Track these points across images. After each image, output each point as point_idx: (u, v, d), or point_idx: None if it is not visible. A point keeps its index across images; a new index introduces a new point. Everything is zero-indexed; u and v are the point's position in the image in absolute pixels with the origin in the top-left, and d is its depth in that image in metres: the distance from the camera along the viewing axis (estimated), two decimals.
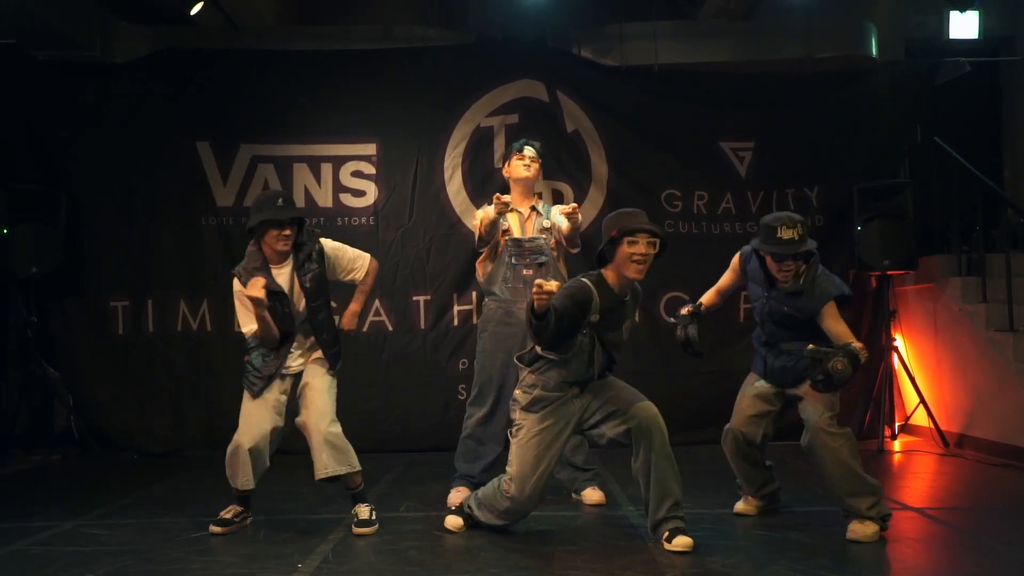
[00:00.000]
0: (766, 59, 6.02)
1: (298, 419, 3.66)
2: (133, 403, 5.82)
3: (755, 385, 3.77)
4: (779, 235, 3.42)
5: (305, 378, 3.68)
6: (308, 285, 3.65)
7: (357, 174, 6.03)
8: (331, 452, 3.57)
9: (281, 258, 3.66)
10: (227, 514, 3.68)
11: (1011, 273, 5.29)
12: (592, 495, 4.15)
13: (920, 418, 5.77)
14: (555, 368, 3.38)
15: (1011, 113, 7.08)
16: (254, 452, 3.58)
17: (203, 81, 5.97)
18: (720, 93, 6.08)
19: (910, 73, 6.22)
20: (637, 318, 5.34)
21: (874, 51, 6.12)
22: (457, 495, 4.08)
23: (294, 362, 3.71)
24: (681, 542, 3.22)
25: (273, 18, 6.57)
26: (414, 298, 5.91)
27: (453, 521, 3.64)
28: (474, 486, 3.99)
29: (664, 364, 5.90)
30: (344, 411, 5.52)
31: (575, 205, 4.07)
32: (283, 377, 3.69)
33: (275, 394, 3.66)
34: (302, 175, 5.95)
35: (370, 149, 6.02)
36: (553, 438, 3.39)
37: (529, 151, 4.29)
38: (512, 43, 6.12)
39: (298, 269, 3.66)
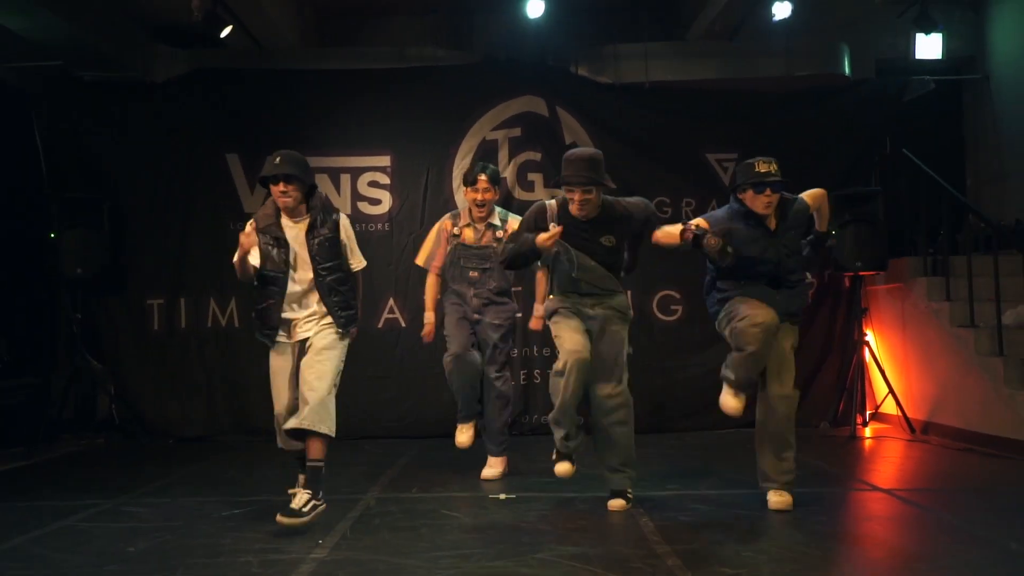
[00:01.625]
0: (749, 77, 6.02)
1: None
2: (169, 393, 5.84)
3: (764, 310, 3.48)
4: (757, 169, 3.52)
5: (311, 340, 3.52)
6: (316, 248, 3.50)
7: (373, 184, 6.03)
8: (311, 408, 3.35)
9: (293, 213, 3.53)
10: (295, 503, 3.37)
11: (972, 273, 5.28)
12: (487, 471, 4.29)
13: (889, 407, 5.76)
14: (553, 284, 3.74)
15: (972, 126, 7.06)
16: (286, 418, 3.47)
17: (232, 98, 5.98)
18: (706, 108, 6.08)
19: (880, 90, 6.21)
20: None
21: (847, 70, 6.11)
22: (464, 433, 4.37)
23: (306, 328, 3.53)
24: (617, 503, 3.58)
25: (296, 40, 6.57)
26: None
27: (562, 468, 3.66)
28: (474, 415, 4.34)
29: (658, 359, 5.92)
30: (360, 400, 5.60)
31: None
32: (295, 345, 3.55)
33: (292, 362, 3.54)
34: (323, 185, 5.92)
35: (385, 161, 6.02)
36: (574, 317, 3.60)
37: (482, 181, 4.27)
38: (515, 62, 6.12)
39: (309, 231, 3.52)
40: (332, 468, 3.89)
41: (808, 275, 3.98)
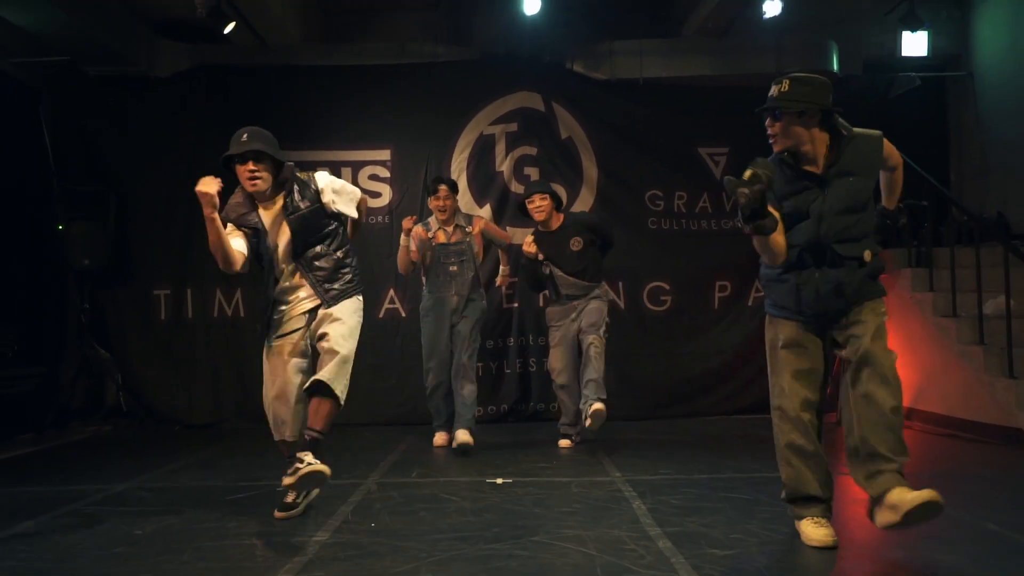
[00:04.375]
0: (740, 73, 6.01)
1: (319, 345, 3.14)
2: (176, 381, 5.84)
3: (786, 338, 2.74)
4: (770, 93, 2.61)
5: (324, 311, 3.17)
6: (296, 226, 3.12)
7: (374, 177, 6.02)
8: (333, 363, 3.04)
9: (263, 196, 3.12)
10: (288, 498, 3.29)
11: (955, 265, 5.29)
12: (461, 435, 4.55)
13: None
14: (551, 292, 4.82)
15: (956, 122, 7.05)
16: (276, 405, 3.23)
17: (236, 93, 5.95)
18: (698, 104, 6.08)
19: (867, 86, 6.22)
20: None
21: (836, 66, 6.10)
22: (440, 437, 4.86)
23: (306, 303, 3.20)
24: (596, 407, 4.33)
25: (299, 37, 6.52)
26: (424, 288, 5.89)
27: (565, 443, 4.77)
28: (448, 425, 4.80)
29: (649, 346, 5.95)
30: (361, 388, 5.57)
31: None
32: (295, 318, 3.21)
33: (291, 341, 3.19)
34: None
35: (385, 155, 6.01)
36: (561, 331, 4.72)
37: (442, 190, 4.72)
38: (512, 59, 6.10)
39: (284, 209, 3.13)
40: (333, 453, 3.90)
41: (872, 249, 2.71)
